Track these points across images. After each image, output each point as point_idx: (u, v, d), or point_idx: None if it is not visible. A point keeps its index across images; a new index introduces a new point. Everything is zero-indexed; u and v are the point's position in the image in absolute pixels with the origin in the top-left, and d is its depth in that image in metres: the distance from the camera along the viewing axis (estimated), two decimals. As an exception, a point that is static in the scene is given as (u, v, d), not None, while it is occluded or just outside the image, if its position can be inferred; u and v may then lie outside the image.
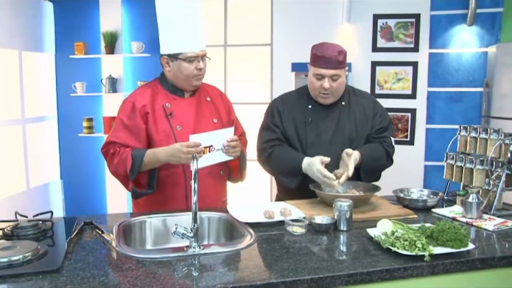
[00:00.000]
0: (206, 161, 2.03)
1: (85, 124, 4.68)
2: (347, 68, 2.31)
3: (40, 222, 1.79)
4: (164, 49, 2.12)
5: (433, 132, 4.27)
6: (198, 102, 2.22)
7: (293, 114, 2.35)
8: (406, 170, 4.18)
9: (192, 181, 1.61)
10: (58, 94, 4.83)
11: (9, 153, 4.11)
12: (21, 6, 4.23)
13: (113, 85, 4.63)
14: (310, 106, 2.34)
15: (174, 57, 2.10)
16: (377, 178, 2.40)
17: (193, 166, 1.64)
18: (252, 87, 4.69)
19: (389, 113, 4.37)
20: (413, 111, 4.26)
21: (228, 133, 2.10)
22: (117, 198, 4.69)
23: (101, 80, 4.65)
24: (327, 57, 2.19)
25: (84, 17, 4.70)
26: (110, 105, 4.66)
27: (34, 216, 1.83)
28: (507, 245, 1.68)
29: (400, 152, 4.40)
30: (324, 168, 2.12)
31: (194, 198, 1.60)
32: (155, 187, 2.10)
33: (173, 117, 2.13)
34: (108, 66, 4.67)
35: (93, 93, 4.71)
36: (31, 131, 4.42)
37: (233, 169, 2.32)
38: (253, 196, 4.60)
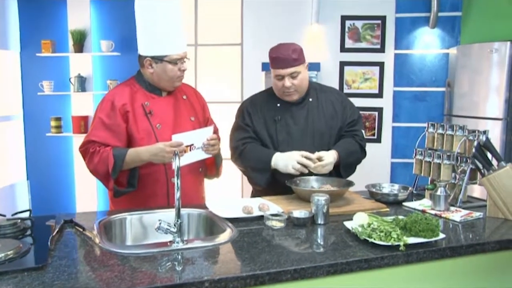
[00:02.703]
0: (187, 159, 2.08)
1: (53, 123, 4.59)
2: (307, 64, 2.37)
3: (19, 220, 1.77)
4: (146, 51, 2.12)
5: (399, 130, 4.43)
6: (175, 100, 2.25)
7: (262, 113, 2.42)
8: (374, 167, 4.31)
9: (175, 178, 1.64)
10: (24, 93, 4.71)
11: (-27, 153, 4.00)
12: (-16, 2, 4.12)
13: (82, 84, 4.56)
14: (278, 105, 2.41)
15: (159, 59, 2.11)
16: (353, 171, 2.50)
17: (176, 164, 1.67)
18: (222, 86, 4.72)
19: (357, 112, 4.58)
20: (380, 110, 4.40)
21: (207, 132, 2.16)
22: (86, 198, 4.63)
23: (70, 79, 4.57)
24: (282, 57, 2.27)
25: (51, 14, 4.61)
26: (79, 104, 4.59)
27: (12, 215, 1.81)
28: (472, 235, 1.79)
29: (368, 150, 4.49)
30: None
31: (177, 194, 1.63)
32: (136, 186, 2.11)
33: (153, 115, 2.15)
34: (76, 65, 4.59)
35: (61, 92, 4.62)
36: (-4, 130, 4.30)
37: (209, 166, 2.36)
38: (225, 194, 4.63)
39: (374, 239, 1.62)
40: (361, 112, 4.47)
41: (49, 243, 1.57)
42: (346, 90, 4.40)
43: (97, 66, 4.66)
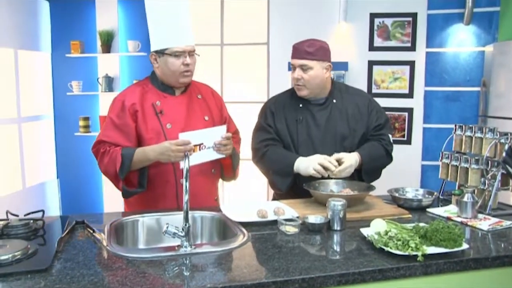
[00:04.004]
0: (196, 159, 2.00)
1: (81, 123, 4.66)
2: (328, 64, 2.30)
3: (31, 221, 1.78)
4: (153, 46, 2.11)
5: (430, 132, 4.26)
6: (189, 99, 2.21)
7: (285, 113, 2.36)
8: (403, 169, 4.17)
9: (184, 180, 1.60)
10: (54, 93, 4.81)
11: (4, 152, 4.09)
12: (17, 5, 4.22)
13: (110, 84, 4.61)
14: (301, 105, 2.35)
15: (161, 52, 2.08)
16: (378, 177, 2.40)
17: (185, 165, 1.63)
18: (248, 86, 4.68)
19: (386, 113, 4.40)
20: (410, 111, 4.25)
21: (220, 131, 2.08)
22: (113, 197, 4.65)
23: (97, 79, 4.63)
24: (297, 47, 2.29)
25: (80, 15, 4.69)
26: (107, 104, 4.59)
27: (25, 215, 1.82)
28: (501, 245, 1.67)
29: (397, 152, 4.37)
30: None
31: (185, 197, 1.58)
32: (146, 186, 2.08)
33: (163, 115, 2.11)
34: (104, 65, 4.65)
35: (90, 92, 4.69)
36: (27, 130, 4.40)
37: (225, 167, 2.30)
38: (250, 196, 4.59)
39: (391, 248, 1.53)
40: (390, 112, 4.42)
41: (56, 245, 1.55)
42: (374, 90, 4.27)
43: (124, 66, 4.71)
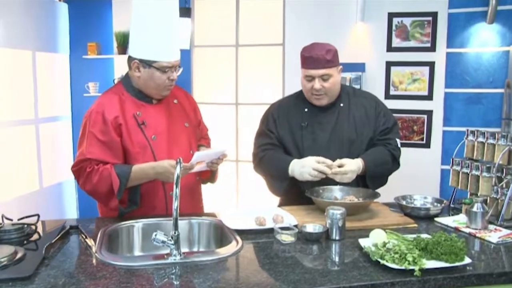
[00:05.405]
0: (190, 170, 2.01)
1: (97, 124, 4.69)
2: (341, 67, 2.22)
3: (25, 225, 1.77)
4: (136, 53, 2.01)
5: (450, 135, 4.10)
6: (167, 107, 2.14)
7: (288, 119, 2.29)
8: (422, 174, 4.05)
9: (174, 186, 1.55)
10: (72, 94, 4.86)
11: (22, 152, 4.15)
12: (36, 7, 4.27)
13: (126, 85, 4.62)
14: (306, 110, 2.27)
15: (147, 63, 1.98)
16: (384, 183, 2.30)
17: (176, 171, 1.58)
18: (264, 88, 4.61)
19: (404, 115, 4.31)
20: (429, 113, 4.11)
21: (220, 153, 2.09)
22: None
23: (113, 80, 4.64)
24: (315, 57, 2.13)
25: (97, 17, 4.72)
26: (122, 105, 4.65)
27: (19, 219, 1.81)
28: (509, 260, 1.57)
29: (416, 155, 4.29)
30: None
31: (175, 204, 1.54)
32: (139, 203, 2.01)
33: (146, 126, 2.03)
34: (120, 66, 4.66)
35: (106, 94, 4.71)
36: (45, 131, 4.45)
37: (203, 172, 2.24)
38: (263, 200, 4.53)
39: (387, 261, 1.45)
40: (409, 115, 4.29)
41: (43, 251, 1.53)
42: (392, 92, 4.14)
43: (139, 67, 4.70)
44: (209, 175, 2.26)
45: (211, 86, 4.77)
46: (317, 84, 2.16)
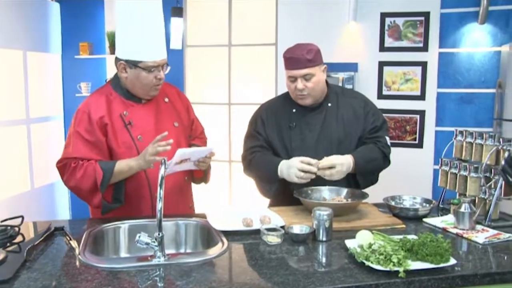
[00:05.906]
0: (174, 168, 1.98)
1: (90, 124, 4.66)
2: (325, 66, 2.21)
3: (9, 227, 1.75)
4: (122, 54, 2.00)
5: (443, 135, 4.10)
6: (156, 106, 2.13)
7: (277, 120, 2.28)
8: (415, 174, 4.04)
9: (158, 187, 1.54)
10: (64, 94, 4.83)
11: (13, 152, 4.13)
12: (27, 7, 4.24)
13: (118, 85, 4.60)
14: (294, 110, 2.26)
15: (133, 64, 1.97)
16: (375, 180, 2.30)
17: (160, 172, 1.57)
18: (256, 87, 4.60)
19: (397, 115, 4.31)
20: (421, 113, 4.10)
21: (207, 151, 2.05)
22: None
23: (106, 80, 4.60)
24: (295, 58, 2.12)
25: (90, 17, 4.69)
26: (115, 105, 4.63)
27: (2, 221, 1.79)
28: (494, 261, 1.56)
29: (409, 155, 4.29)
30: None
31: (159, 205, 1.52)
32: (123, 200, 2.00)
33: (133, 126, 2.02)
34: (112, 66, 4.54)
35: (98, 94, 4.69)
36: (36, 131, 4.43)
37: (195, 170, 2.22)
38: (256, 200, 4.51)
39: (372, 262, 1.44)
40: (401, 115, 4.28)
41: (25, 254, 1.51)
42: (385, 92, 4.14)
43: (132, 67, 4.68)
44: (201, 175, 2.24)
45: (204, 86, 4.76)
46: (299, 84, 2.15)
